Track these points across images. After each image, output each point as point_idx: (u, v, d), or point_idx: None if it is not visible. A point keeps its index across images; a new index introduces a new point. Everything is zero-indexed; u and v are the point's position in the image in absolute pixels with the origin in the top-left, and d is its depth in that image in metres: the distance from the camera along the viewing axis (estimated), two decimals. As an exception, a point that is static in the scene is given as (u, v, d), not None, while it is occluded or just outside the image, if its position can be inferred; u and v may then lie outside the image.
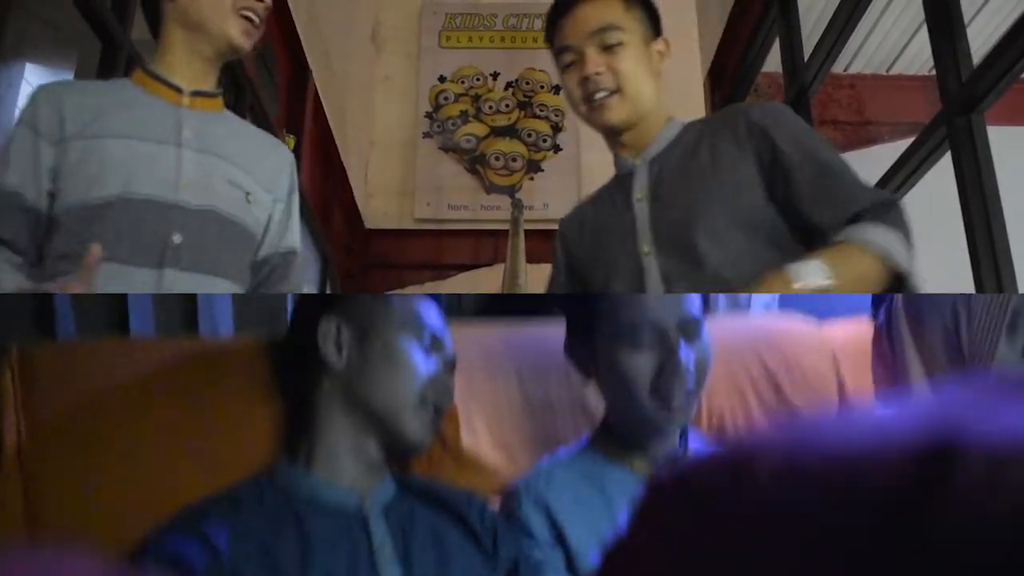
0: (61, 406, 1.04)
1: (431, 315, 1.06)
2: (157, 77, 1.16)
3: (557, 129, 4.89)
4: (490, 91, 4.95)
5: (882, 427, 0.24)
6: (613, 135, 1.20)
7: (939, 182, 2.01)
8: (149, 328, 1.24)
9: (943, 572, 0.20)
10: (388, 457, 1.03)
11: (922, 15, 2.13)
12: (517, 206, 4.09)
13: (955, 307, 1.04)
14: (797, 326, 1.38)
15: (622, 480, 1.10)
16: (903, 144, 2.17)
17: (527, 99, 4.93)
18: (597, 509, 1.08)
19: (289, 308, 1.28)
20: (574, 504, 1.08)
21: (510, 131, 4.86)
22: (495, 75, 4.97)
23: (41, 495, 1.01)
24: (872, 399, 1.25)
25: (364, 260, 4.52)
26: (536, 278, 3.83)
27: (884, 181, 2.19)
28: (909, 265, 0.95)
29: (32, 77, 2.27)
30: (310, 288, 3.51)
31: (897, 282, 0.96)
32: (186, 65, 1.17)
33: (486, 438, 1.21)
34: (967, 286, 1.77)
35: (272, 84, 3.11)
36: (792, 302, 1.46)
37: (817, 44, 2.65)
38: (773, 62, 3.12)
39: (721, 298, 1.45)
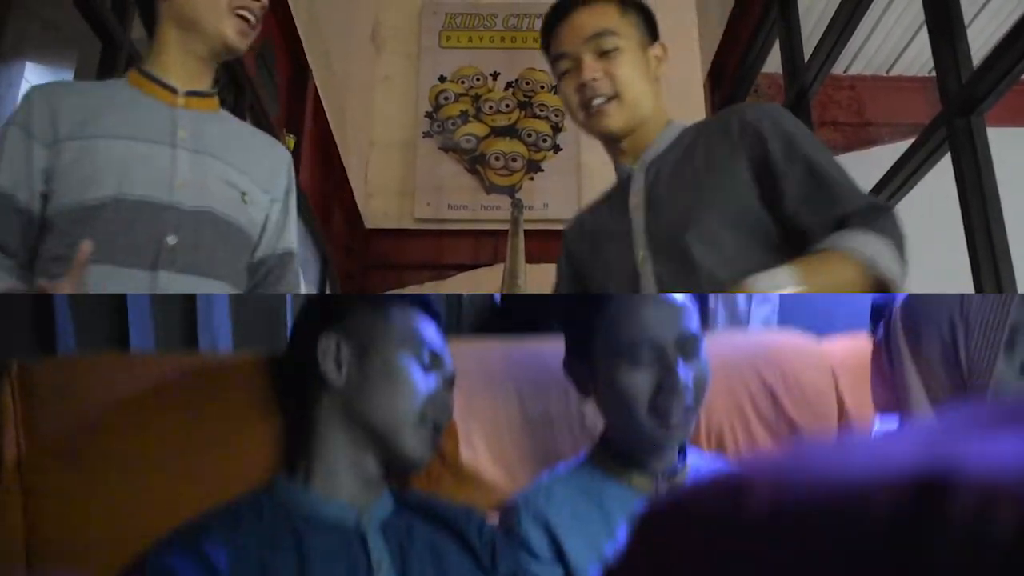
0: (61, 421, 1.05)
1: (430, 332, 1.06)
2: (152, 77, 1.15)
3: (557, 129, 4.89)
4: (490, 91, 4.95)
5: (877, 456, 0.24)
6: (612, 141, 1.18)
7: (939, 183, 2.01)
8: (149, 343, 1.24)
9: None
10: (386, 473, 1.03)
11: (922, 16, 2.13)
12: (517, 206, 4.09)
13: (953, 323, 1.04)
14: (796, 341, 1.38)
15: (620, 496, 1.10)
16: (903, 145, 2.17)
17: (527, 99, 4.93)
18: (596, 524, 1.08)
19: (288, 324, 1.28)
20: (572, 519, 1.08)
21: (510, 131, 4.86)
22: (495, 75, 4.97)
23: (41, 510, 1.01)
24: (871, 415, 1.25)
25: (364, 260, 4.51)
26: (536, 278, 3.84)
27: (884, 182, 2.19)
28: (898, 273, 0.93)
29: (32, 77, 2.27)
30: (310, 289, 3.50)
31: (884, 290, 0.94)
32: (181, 65, 1.15)
33: (485, 454, 1.21)
34: (967, 287, 1.77)
35: (272, 84, 3.11)
36: (791, 318, 1.46)
37: (817, 45, 2.65)
38: (773, 63, 3.12)
39: (720, 314, 1.45)
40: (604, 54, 1.14)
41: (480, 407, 1.23)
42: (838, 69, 3.67)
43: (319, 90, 3.56)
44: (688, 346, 1.07)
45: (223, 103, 1.23)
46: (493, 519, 1.11)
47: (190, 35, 1.14)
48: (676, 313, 1.07)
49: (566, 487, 1.11)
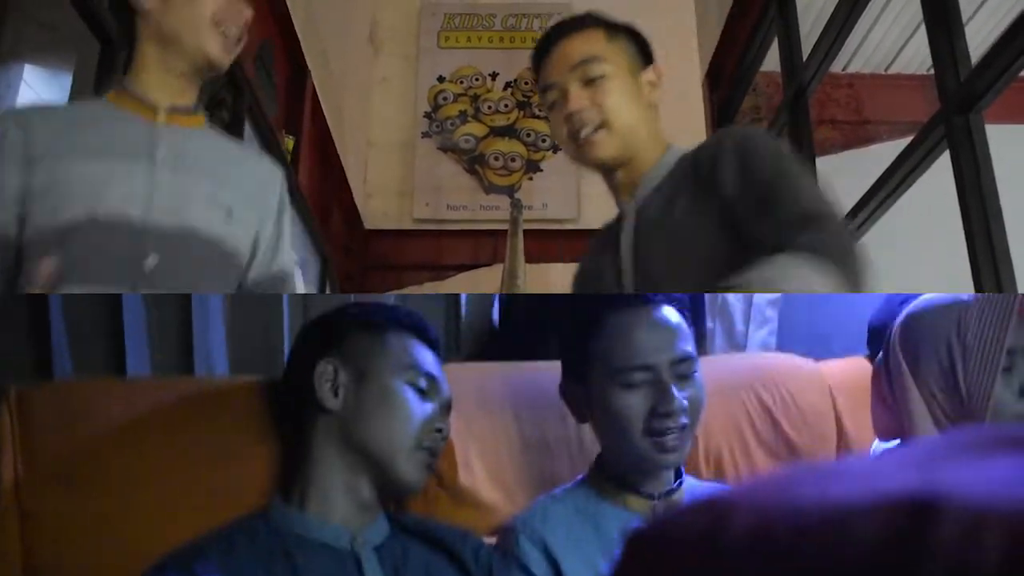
0: (58, 445, 1.05)
1: (427, 358, 1.07)
2: (131, 94, 1.11)
3: (556, 129, 4.89)
4: (489, 91, 4.95)
5: (863, 480, 0.24)
6: (607, 173, 1.15)
7: (938, 181, 2.01)
8: (145, 368, 1.24)
9: None
10: (382, 497, 1.04)
11: (920, 14, 2.13)
12: (516, 206, 4.09)
13: (950, 346, 1.04)
14: (794, 363, 1.38)
15: (617, 517, 1.10)
16: (902, 143, 2.17)
17: (526, 99, 4.92)
18: (592, 545, 1.08)
19: (285, 348, 1.28)
20: (569, 541, 1.08)
21: (509, 131, 4.86)
22: (494, 75, 4.97)
23: (38, 533, 1.02)
24: (870, 437, 1.25)
25: (363, 261, 4.51)
26: (535, 278, 3.84)
27: (883, 180, 2.19)
28: (838, 288, 0.86)
29: (31, 78, 2.27)
30: (310, 289, 3.50)
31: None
32: (162, 82, 1.11)
33: (483, 476, 1.21)
34: (967, 285, 1.77)
35: (271, 85, 3.11)
36: (789, 341, 1.47)
37: (815, 44, 2.65)
38: (772, 62, 3.12)
39: (717, 336, 1.46)
40: (591, 82, 1.10)
41: (478, 430, 1.23)
42: (836, 67, 3.68)
43: (318, 91, 3.56)
44: (683, 368, 1.07)
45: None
46: (490, 542, 1.11)
47: (171, 51, 1.10)
48: (671, 335, 1.07)
49: (563, 509, 1.11)
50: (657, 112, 1.16)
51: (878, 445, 1.19)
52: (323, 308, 1.17)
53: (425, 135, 4.83)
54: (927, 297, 1.12)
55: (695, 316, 1.39)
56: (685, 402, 1.06)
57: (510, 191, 4.66)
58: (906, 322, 1.11)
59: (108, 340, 1.23)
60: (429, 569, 1.02)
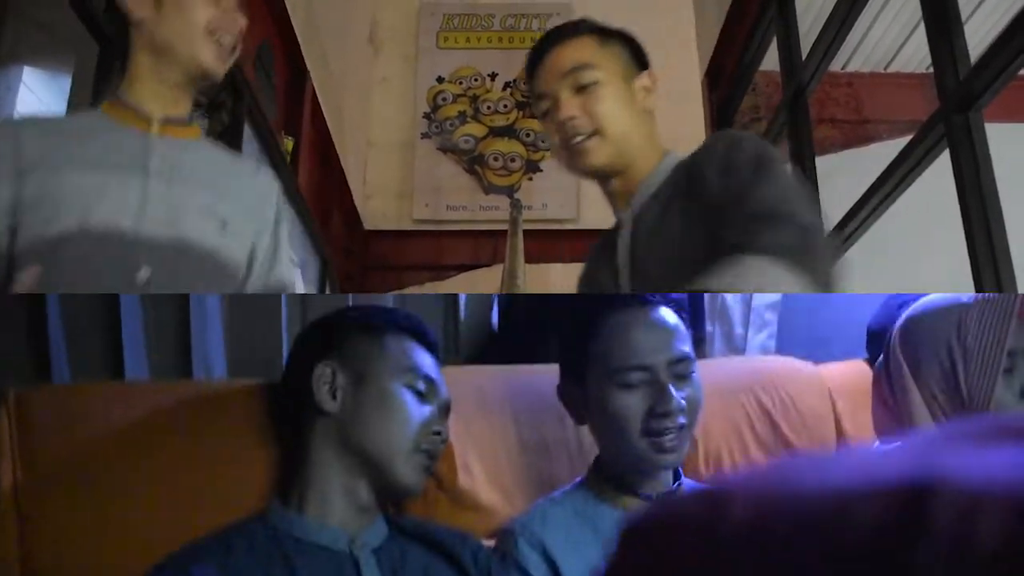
0: (57, 449, 1.06)
1: (425, 360, 1.07)
2: (125, 104, 1.10)
3: (555, 129, 4.88)
4: (488, 91, 4.95)
5: (861, 468, 0.24)
6: (602, 181, 1.13)
7: (937, 180, 2.01)
8: (143, 369, 1.24)
9: None
10: (380, 500, 1.04)
11: (919, 13, 2.13)
12: (516, 206, 4.09)
13: (951, 348, 1.04)
14: (793, 366, 1.38)
15: (615, 519, 1.10)
16: (901, 142, 2.17)
17: (525, 99, 4.92)
18: (591, 547, 1.08)
19: (284, 352, 1.28)
20: (568, 543, 1.08)
21: (508, 131, 4.86)
22: (493, 75, 4.97)
23: (37, 536, 1.02)
24: (870, 439, 1.25)
25: (363, 261, 4.51)
26: (535, 278, 3.84)
27: (882, 179, 2.19)
28: (792, 288, 0.84)
29: (30, 80, 2.27)
30: (310, 290, 3.50)
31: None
32: (156, 92, 1.10)
33: (482, 479, 1.22)
34: (966, 284, 1.77)
35: (270, 86, 3.11)
36: (789, 344, 1.47)
37: (815, 42, 2.65)
38: (771, 61, 3.12)
39: (716, 340, 1.46)
40: (582, 89, 1.09)
41: (478, 433, 1.23)
42: (836, 66, 3.68)
43: (317, 92, 3.56)
44: (680, 368, 1.07)
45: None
46: (489, 544, 1.11)
47: (164, 61, 1.09)
48: (668, 336, 1.07)
49: (561, 512, 1.11)
50: (653, 118, 1.15)
51: (877, 445, 1.19)
52: (322, 309, 1.17)
53: (424, 136, 4.83)
54: (927, 299, 1.12)
55: (694, 319, 1.39)
56: (683, 402, 1.06)
57: (510, 191, 4.65)
58: (906, 325, 1.10)
59: (106, 342, 1.23)
60: (428, 572, 1.02)
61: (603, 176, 1.13)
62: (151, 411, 1.09)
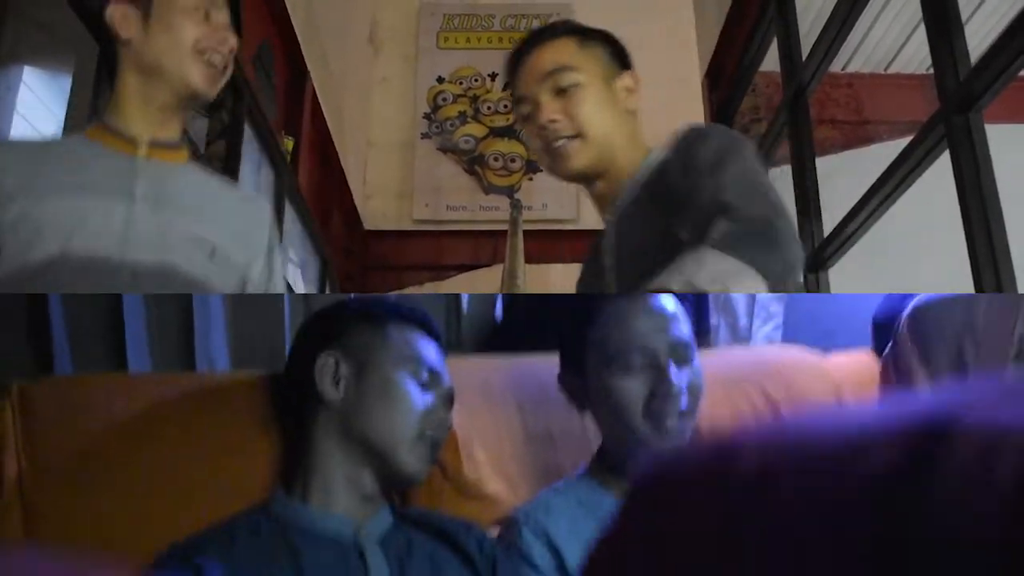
0: (61, 441, 1.06)
1: (428, 350, 1.06)
2: (110, 128, 1.06)
3: (555, 129, 4.88)
4: (488, 92, 4.95)
5: (871, 414, 0.24)
6: (586, 184, 1.12)
7: (937, 181, 2.01)
8: (145, 363, 1.23)
9: (938, 552, 0.19)
10: (384, 489, 1.04)
11: (920, 14, 2.13)
12: (516, 206, 4.09)
13: (960, 336, 1.03)
14: (799, 357, 1.39)
15: (616, 509, 1.09)
16: (902, 143, 2.17)
17: (525, 100, 4.92)
18: (594, 534, 1.07)
19: (286, 343, 1.28)
20: (571, 532, 1.07)
21: (508, 132, 4.86)
22: (493, 76, 4.97)
23: (41, 528, 1.02)
24: None
25: (363, 261, 4.51)
26: (535, 278, 3.83)
27: (882, 180, 2.19)
28: (757, 285, 0.82)
29: (30, 80, 2.27)
30: (310, 290, 3.50)
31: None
32: (143, 114, 1.06)
33: (487, 469, 1.21)
34: (967, 285, 1.77)
35: (270, 86, 3.11)
36: (795, 335, 1.47)
37: (815, 43, 2.65)
38: (771, 61, 3.12)
39: (722, 332, 1.46)
40: (563, 91, 1.08)
41: (482, 422, 1.23)
42: (836, 67, 3.67)
43: (317, 92, 3.56)
44: (680, 351, 1.07)
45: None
46: (494, 534, 1.11)
47: (153, 82, 1.06)
48: (667, 320, 1.07)
49: (565, 500, 1.10)
50: (636, 118, 1.14)
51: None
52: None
53: (425, 136, 4.83)
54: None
55: (699, 311, 1.39)
56: (684, 385, 1.05)
57: (510, 191, 4.65)
58: (916, 311, 1.10)
59: (109, 338, 1.23)
60: (433, 560, 1.02)
61: (586, 179, 1.12)
62: (154, 402, 1.09)
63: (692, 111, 3.70)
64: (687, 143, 1.02)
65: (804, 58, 2.75)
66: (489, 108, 4.91)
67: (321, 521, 0.99)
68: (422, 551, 1.02)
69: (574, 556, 1.06)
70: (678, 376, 1.05)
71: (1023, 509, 0.19)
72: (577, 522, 1.08)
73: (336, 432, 1.02)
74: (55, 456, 1.04)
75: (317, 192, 3.73)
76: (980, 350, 1.01)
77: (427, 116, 4.87)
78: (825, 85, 3.57)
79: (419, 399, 1.02)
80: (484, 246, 4.50)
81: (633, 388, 1.05)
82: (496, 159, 4.79)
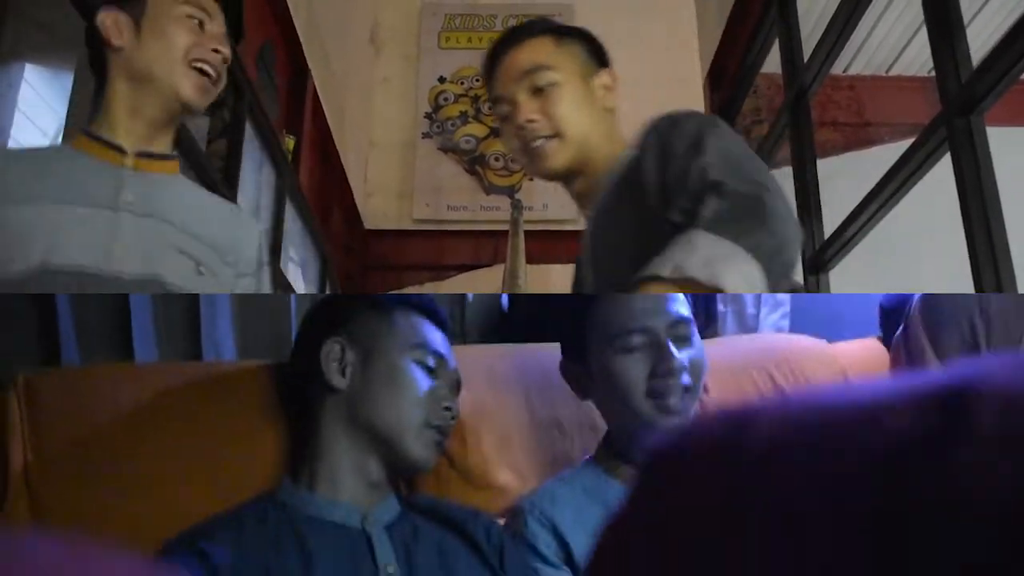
0: (67, 431, 1.06)
1: (435, 336, 1.06)
2: (96, 137, 1.03)
3: (557, 130, 4.88)
4: (490, 92, 4.95)
5: (886, 387, 0.23)
6: (565, 183, 1.12)
7: (939, 183, 2.01)
8: (152, 353, 1.23)
9: (959, 518, 0.19)
10: (391, 476, 1.03)
11: (921, 16, 2.13)
12: (516, 207, 4.09)
13: (972, 321, 1.03)
14: (807, 344, 1.39)
15: (623, 495, 1.09)
16: (903, 145, 2.17)
17: (527, 100, 4.92)
18: (601, 522, 1.07)
19: (293, 332, 1.28)
20: (577, 521, 1.07)
21: (510, 132, 4.86)
22: (495, 76, 4.97)
23: (47, 518, 1.02)
24: None
25: (363, 261, 4.51)
26: (535, 279, 3.83)
27: (884, 182, 2.19)
28: (729, 275, 0.79)
29: (31, 78, 2.27)
30: (310, 289, 3.50)
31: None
32: (131, 123, 1.03)
33: (495, 457, 1.21)
34: (967, 288, 1.77)
35: (272, 85, 3.11)
36: (802, 323, 1.47)
37: (817, 45, 2.65)
38: (773, 63, 3.12)
39: (729, 320, 1.45)
40: (540, 91, 1.07)
41: (490, 411, 1.23)
42: (838, 69, 3.67)
43: (319, 91, 3.56)
44: (680, 330, 1.07)
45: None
46: (501, 523, 1.11)
47: (143, 90, 1.03)
48: (665, 300, 1.07)
49: (571, 489, 1.10)
50: (614, 116, 1.13)
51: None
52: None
53: (426, 135, 4.83)
54: None
55: (707, 299, 1.39)
56: (686, 362, 1.05)
57: (510, 192, 4.65)
58: (927, 298, 1.10)
59: (116, 332, 1.23)
60: (441, 548, 1.02)
61: (565, 177, 1.12)
62: (160, 392, 1.09)
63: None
64: (659, 132, 1.01)
65: (806, 60, 2.75)
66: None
67: (328, 509, 0.99)
68: (429, 539, 1.02)
69: (580, 545, 1.06)
70: (679, 353, 1.05)
71: None
72: (583, 510, 1.08)
73: (342, 419, 1.01)
74: (61, 447, 1.04)
75: (318, 191, 3.73)
76: (992, 336, 1.01)
77: (428, 116, 4.87)
78: (827, 87, 3.58)
79: (426, 386, 1.02)
80: (485, 246, 4.50)
81: (634, 367, 1.05)
82: (497, 159, 4.79)
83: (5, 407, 1.06)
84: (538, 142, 1.07)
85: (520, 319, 1.50)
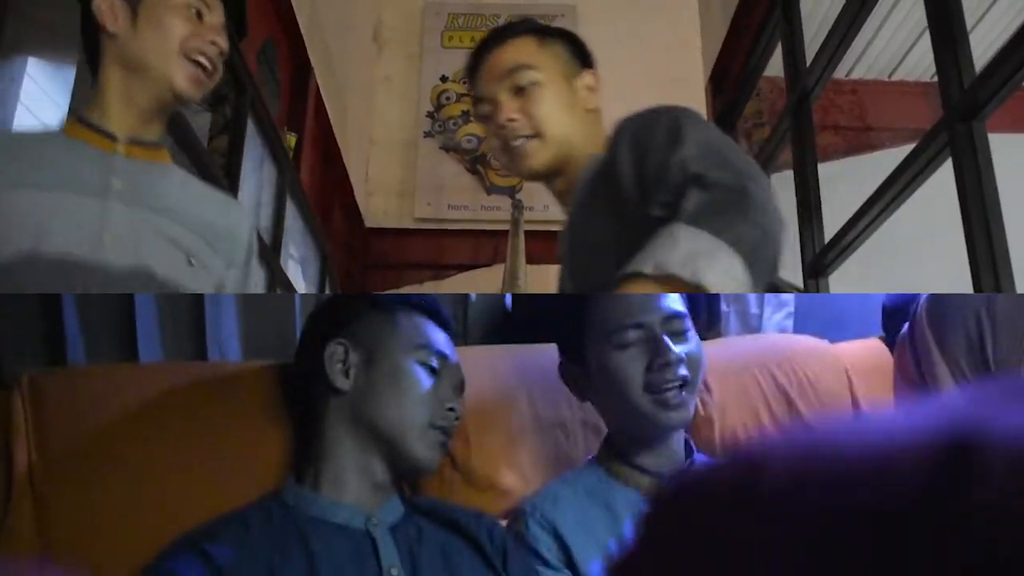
0: (72, 431, 1.05)
1: (438, 337, 1.06)
2: (87, 123, 1.02)
3: (558, 130, 4.88)
4: (492, 92, 4.94)
5: (895, 428, 0.23)
6: (546, 182, 1.12)
7: (940, 189, 2.01)
8: (157, 353, 1.23)
9: (965, 572, 0.19)
10: (395, 478, 1.04)
11: (924, 22, 2.13)
12: (517, 207, 4.09)
13: (979, 319, 1.03)
14: (809, 344, 1.39)
15: (627, 497, 1.10)
16: (904, 150, 2.17)
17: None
18: (602, 526, 1.08)
19: (297, 333, 1.28)
20: (579, 524, 1.07)
21: (511, 132, 4.85)
22: (497, 76, 4.97)
23: (52, 518, 1.01)
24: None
25: (364, 259, 4.51)
26: (536, 279, 3.83)
27: (885, 187, 2.19)
28: (710, 273, 0.77)
29: (34, 72, 2.27)
30: (310, 287, 3.50)
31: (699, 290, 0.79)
32: (123, 111, 1.02)
33: (498, 459, 1.21)
34: (966, 292, 1.77)
35: (274, 82, 3.11)
36: (805, 323, 1.47)
37: (819, 49, 2.65)
38: (775, 67, 3.12)
39: (732, 320, 1.45)
40: (521, 90, 1.07)
41: (493, 412, 1.23)
42: (840, 73, 3.68)
43: (321, 89, 3.56)
44: (675, 324, 1.07)
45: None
46: (504, 525, 1.11)
47: (136, 78, 1.01)
48: (659, 296, 1.07)
49: (572, 491, 1.10)
50: (598, 116, 1.13)
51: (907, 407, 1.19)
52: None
53: (427, 134, 4.83)
54: None
55: (710, 299, 1.39)
56: (682, 355, 1.06)
57: (511, 192, 4.65)
58: (934, 297, 1.10)
59: (121, 332, 1.22)
60: (444, 550, 1.02)
61: (546, 177, 1.12)
62: (164, 392, 1.09)
63: (695, 115, 3.70)
64: (632, 128, 1.00)
65: (808, 64, 2.75)
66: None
67: (332, 510, 0.99)
68: (433, 540, 1.02)
69: (581, 547, 1.06)
70: (674, 347, 1.05)
71: None
72: (585, 512, 1.08)
73: (346, 420, 1.01)
74: (65, 446, 1.04)
75: (319, 189, 3.73)
76: (998, 335, 1.01)
77: (430, 115, 4.87)
78: (829, 91, 3.58)
79: (429, 387, 1.02)
80: (485, 246, 4.49)
81: (631, 363, 1.05)
82: (498, 159, 4.79)
83: (10, 406, 1.05)
84: (518, 141, 1.07)
85: (523, 319, 1.50)
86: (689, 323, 1.10)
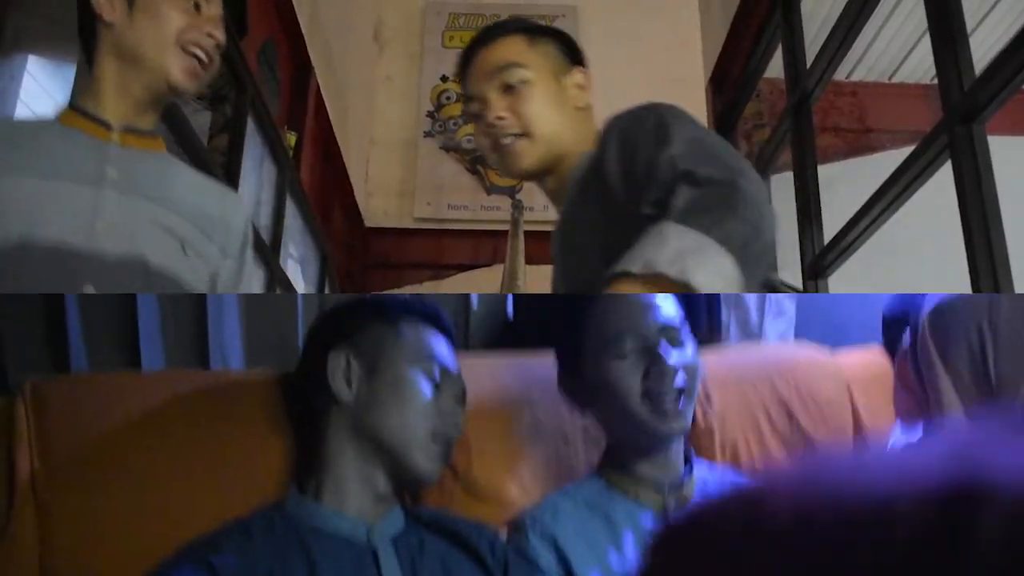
0: (74, 439, 1.05)
1: (441, 347, 1.06)
2: (83, 112, 1.01)
3: (558, 131, 4.88)
4: (492, 92, 4.94)
5: (900, 468, 0.24)
6: (538, 181, 1.12)
7: (939, 191, 2.01)
8: (159, 361, 1.22)
9: None
10: (397, 489, 1.03)
11: (925, 24, 2.13)
12: (517, 207, 4.09)
13: (980, 329, 1.02)
14: (810, 354, 1.38)
15: (627, 510, 1.10)
16: (904, 152, 2.17)
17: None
18: (602, 538, 1.08)
19: (300, 341, 1.28)
20: (579, 536, 1.07)
21: (511, 132, 4.85)
22: (497, 76, 4.97)
23: (54, 525, 1.01)
24: (887, 428, 1.24)
25: (363, 259, 4.51)
26: (535, 279, 3.83)
27: (884, 189, 2.19)
28: (697, 271, 0.76)
29: (34, 69, 2.27)
30: (309, 287, 3.50)
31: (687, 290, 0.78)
32: (119, 100, 1.01)
33: (499, 469, 1.20)
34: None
35: (275, 81, 3.11)
36: (805, 332, 1.46)
37: (820, 51, 2.65)
38: (776, 68, 3.12)
39: (732, 328, 1.45)
40: (510, 89, 1.07)
41: (494, 422, 1.22)
42: (840, 75, 3.68)
43: (321, 88, 3.56)
44: (671, 334, 1.07)
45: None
46: (505, 536, 1.11)
47: (131, 68, 1.01)
48: (655, 303, 1.08)
49: (572, 503, 1.10)
50: (589, 114, 1.12)
51: (902, 431, 1.19)
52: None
53: (428, 134, 4.83)
54: None
55: (710, 308, 1.39)
56: (679, 364, 1.06)
57: (511, 192, 4.65)
58: (937, 308, 1.10)
59: (123, 339, 1.22)
60: (446, 561, 1.02)
61: (536, 176, 1.11)
62: (167, 400, 1.08)
63: (695, 114, 3.70)
64: (619, 126, 1.00)
65: (809, 65, 2.75)
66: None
67: (334, 521, 0.99)
68: (434, 552, 1.02)
69: (581, 559, 1.06)
70: (671, 355, 1.05)
71: None
72: (584, 524, 1.08)
73: (348, 430, 1.01)
74: (68, 454, 1.04)
75: (319, 188, 3.73)
76: (1000, 348, 1.00)
77: (430, 115, 4.87)
78: (829, 93, 3.58)
79: (432, 397, 1.02)
80: (485, 246, 4.50)
81: (628, 372, 1.05)
82: (498, 159, 4.79)
83: (13, 413, 1.05)
84: (507, 140, 1.07)
85: (525, 327, 1.49)
86: (687, 332, 1.10)
